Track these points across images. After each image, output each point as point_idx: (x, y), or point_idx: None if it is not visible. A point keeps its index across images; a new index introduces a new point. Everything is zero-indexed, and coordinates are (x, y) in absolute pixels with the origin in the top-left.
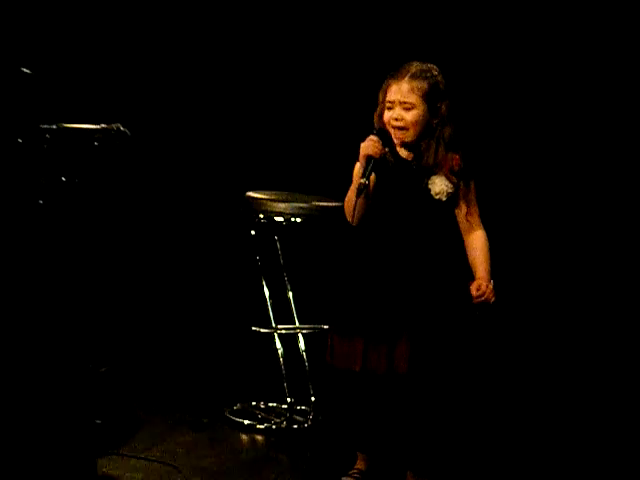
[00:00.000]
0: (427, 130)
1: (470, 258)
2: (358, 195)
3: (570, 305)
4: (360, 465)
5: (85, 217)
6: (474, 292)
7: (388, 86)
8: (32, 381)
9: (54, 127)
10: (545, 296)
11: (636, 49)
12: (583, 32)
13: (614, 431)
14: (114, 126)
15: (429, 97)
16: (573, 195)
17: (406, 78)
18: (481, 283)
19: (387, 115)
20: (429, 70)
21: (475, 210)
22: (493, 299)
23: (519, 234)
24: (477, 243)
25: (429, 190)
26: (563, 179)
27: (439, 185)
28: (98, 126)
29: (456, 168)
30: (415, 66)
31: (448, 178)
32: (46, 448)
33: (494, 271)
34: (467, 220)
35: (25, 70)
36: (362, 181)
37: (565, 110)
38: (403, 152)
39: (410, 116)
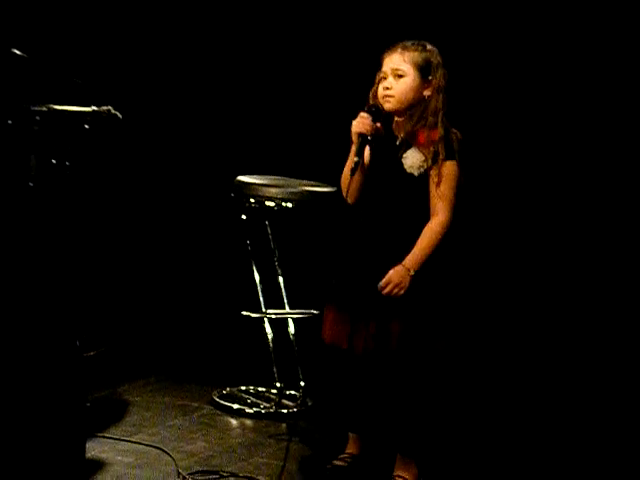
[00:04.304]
0: (417, 101)
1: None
2: (352, 174)
3: (566, 299)
4: (351, 449)
5: (75, 200)
6: (381, 285)
7: (383, 60)
8: (20, 364)
9: (44, 109)
10: (541, 291)
11: (636, 49)
12: (583, 26)
13: (607, 420)
14: (105, 109)
15: (421, 67)
16: (571, 192)
17: (398, 49)
18: (391, 277)
19: (380, 86)
20: (423, 44)
21: (443, 193)
22: (400, 294)
23: (517, 231)
24: (426, 228)
25: (402, 164)
26: (561, 176)
27: (411, 159)
28: (89, 109)
29: (423, 140)
30: (409, 41)
31: (422, 152)
32: (35, 431)
33: (490, 269)
34: (433, 201)
35: (15, 51)
36: (355, 159)
37: (563, 106)
38: (395, 127)
39: (400, 84)
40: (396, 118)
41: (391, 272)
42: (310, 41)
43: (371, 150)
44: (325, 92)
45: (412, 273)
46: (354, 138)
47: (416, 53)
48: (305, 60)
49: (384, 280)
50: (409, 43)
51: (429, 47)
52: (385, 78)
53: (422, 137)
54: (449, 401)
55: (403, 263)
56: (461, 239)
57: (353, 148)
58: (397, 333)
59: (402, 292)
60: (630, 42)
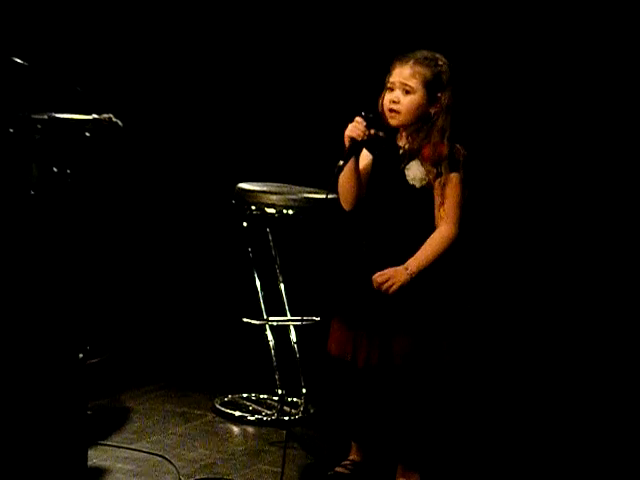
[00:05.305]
0: (423, 118)
1: None
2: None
3: (568, 302)
4: (354, 456)
5: (77, 208)
6: (372, 279)
7: (393, 68)
8: (22, 372)
9: (45, 117)
10: (542, 293)
11: (636, 49)
12: (583, 30)
13: (608, 424)
14: (106, 117)
15: (429, 85)
16: (572, 193)
17: (410, 62)
18: (385, 272)
19: (387, 97)
20: (435, 59)
21: (449, 204)
22: (391, 290)
23: (519, 232)
24: (431, 237)
25: (405, 175)
26: (562, 178)
27: (413, 171)
28: (90, 117)
29: (427, 155)
30: (422, 52)
31: (424, 165)
32: (36, 439)
33: (495, 283)
34: (439, 213)
35: (16, 60)
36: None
37: (565, 109)
38: (399, 138)
39: (407, 100)
40: (400, 131)
41: (386, 270)
42: (312, 47)
43: (374, 160)
44: (326, 99)
45: (410, 273)
46: (345, 141)
47: (427, 70)
48: (306, 67)
49: (374, 276)
50: (422, 57)
51: (441, 62)
52: (392, 90)
53: (427, 151)
54: (451, 413)
55: (404, 264)
56: (466, 253)
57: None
58: (401, 348)
59: (394, 287)
60: (630, 45)
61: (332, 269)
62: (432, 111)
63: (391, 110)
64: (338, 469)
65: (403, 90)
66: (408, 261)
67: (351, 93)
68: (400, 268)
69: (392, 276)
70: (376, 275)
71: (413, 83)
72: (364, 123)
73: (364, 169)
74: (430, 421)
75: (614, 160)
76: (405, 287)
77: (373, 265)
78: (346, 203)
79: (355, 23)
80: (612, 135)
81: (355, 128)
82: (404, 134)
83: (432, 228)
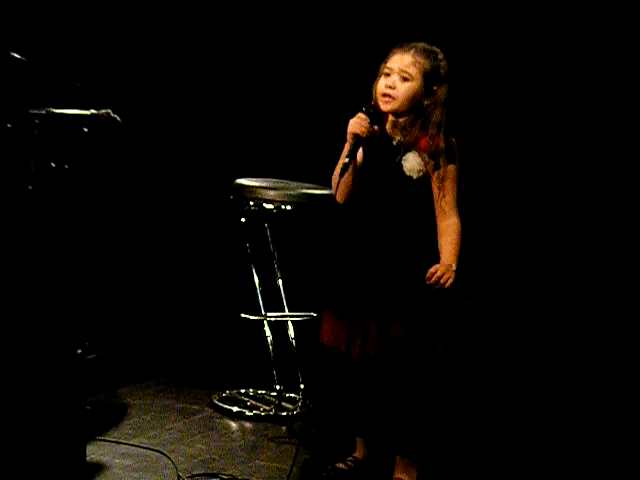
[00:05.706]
0: (417, 109)
1: (439, 245)
2: (341, 174)
3: (564, 293)
4: (358, 453)
5: (74, 203)
6: (427, 275)
7: (392, 55)
8: (20, 368)
9: (43, 112)
10: (540, 292)
11: (636, 49)
12: (583, 29)
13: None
14: (104, 112)
15: (428, 76)
16: (570, 190)
17: (411, 51)
18: (437, 267)
19: (382, 82)
20: (435, 52)
21: (450, 196)
22: (448, 284)
23: (516, 230)
24: (446, 230)
25: (402, 167)
26: (559, 174)
27: (411, 162)
28: (88, 112)
29: (424, 146)
30: (422, 44)
31: (421, 156)
32: (35, 434)
33: (487, 269)
34: (440, 205)
35: (15, 55)
36: (345, 160)
37: (563, 107)
38: (390, 129)
39: (404, 87)
40: (391, 118)
41: (433, 267)
42: (308, 43)
43: (366, 151)
44: (323, 94)
45: (454, 268)
46: (349, 138)
47: (427, 60)
48: (303, 62)
49: (431, 270)
50: (422, 48)
51: (440, 56)
52: (389, 75)
53: (424, 143)
54: (449, 402)
55: (442, 261)
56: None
57: (346, 147)
58: (398, 336)
59: (450, 281)
60: (630, 43)
61: (326, 261)
62: (425, 103)
63: (386, 95)
64: (338, 465)
65: (401, 77)
66: (446, 259)
67: (347, 89)
68: (446, 265)
69: (444, 272)
70: (433, 269)
71: (413, 71)
72: (368, 119)
73: (359, 162)
74: (427, 409)
75: (606, 152)
76: (403, 276)
77: (369, 256)
78: (341, 197)
79: (349, 20)
80: (605, 127)
81: (359, 125)
82: (399, 121)
83: (429, 218)
